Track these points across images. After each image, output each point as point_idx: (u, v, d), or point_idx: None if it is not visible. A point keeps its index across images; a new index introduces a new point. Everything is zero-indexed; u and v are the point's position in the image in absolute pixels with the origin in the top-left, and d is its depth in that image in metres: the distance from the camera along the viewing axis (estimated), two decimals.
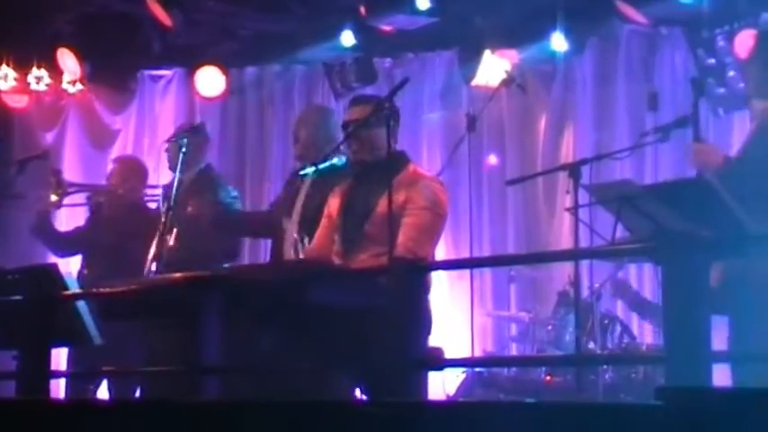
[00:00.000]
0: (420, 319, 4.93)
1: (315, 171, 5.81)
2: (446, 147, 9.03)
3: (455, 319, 8.66)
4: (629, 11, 7.84)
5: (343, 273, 5.17)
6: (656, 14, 8.11)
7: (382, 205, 5.14)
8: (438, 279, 7.26)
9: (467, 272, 8.22)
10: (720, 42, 8.22)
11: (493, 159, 9.36)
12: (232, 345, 4.63)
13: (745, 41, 7.47)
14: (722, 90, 8.09)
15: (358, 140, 5.42)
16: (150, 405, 3.88)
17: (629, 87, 8.93)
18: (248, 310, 4.77)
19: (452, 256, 8.81)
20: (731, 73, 8.03)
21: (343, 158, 5.82)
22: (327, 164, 5.73)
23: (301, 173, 6.02)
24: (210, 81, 9.52)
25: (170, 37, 9.18)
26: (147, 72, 10.08)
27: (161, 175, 8.39)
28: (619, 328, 7.40)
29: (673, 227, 4.28)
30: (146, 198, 7.82)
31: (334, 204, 5.60)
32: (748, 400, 2.10)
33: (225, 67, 9.52)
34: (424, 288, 5.21)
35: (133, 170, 7.85)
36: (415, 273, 4.60)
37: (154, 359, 5.18)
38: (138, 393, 6.34)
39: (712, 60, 8.33)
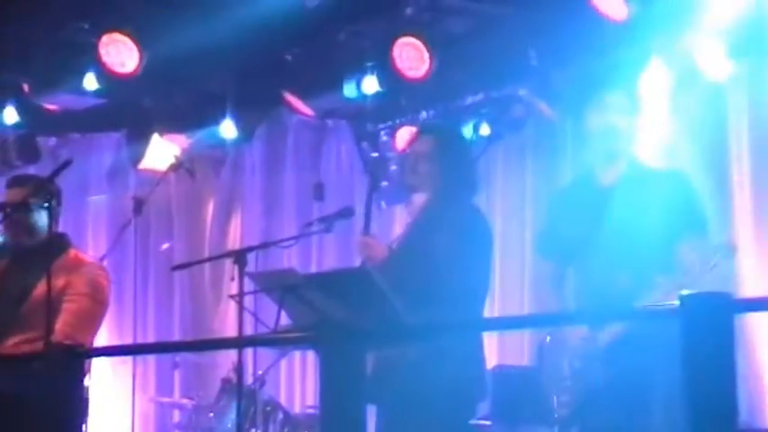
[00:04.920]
0: (77, 407, 4.79)
1: None
2: (112, 230, 8.87)
3: (116, 405, 8.46)
4: (296, 103, 8.03)
5: None
6: (323, 107, 8.34)
7: (40, 289, 4.98)
8: (99, 363, 7.08)
9: (130, 357, 8.06)
10: (384, 137, 8.55)
11: (165, 246, 9.28)
12: None
13: (405, 137, 7.80)
14: (385, 183, 8.38)
15: (16, 223, 5.24)
16: None
17: (297, 176, 9.12)
18: None
19: (116, 341, 8.63)
20: (393, 167, 8.35)
21: None
22: None
23: None
24: None
25: None
26: None
27: None
28: (281, 415, 7.45)
29: (332, 315, 4.36)
30: None
31: None
32: None
33: None
34: (82, 374, 5.06)
35: None
36: (73, 359, 4.46)
37: None
38: None
39: (376, 154, 8.64)
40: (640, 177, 4.57)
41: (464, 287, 4.77)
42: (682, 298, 2.64)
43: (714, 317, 2.48)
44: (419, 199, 5.02)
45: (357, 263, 8.23)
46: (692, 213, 4.46)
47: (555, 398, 4.49)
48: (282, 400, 8.23)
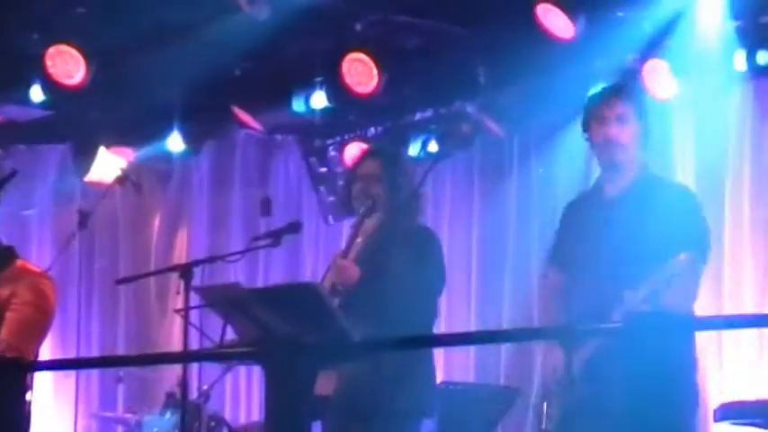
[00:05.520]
0: (19, 422, 4.73)
1: None
2: (57, 242, 8.79)
3: (58, 420, 8.37)
4: (245, 117, 8.00)
5: None
6: (271, 122, 8.33)
7: None
8: (41, 377, 7.00)
9: (73, 371, 7.99)
10: (332, 152, 8.55)
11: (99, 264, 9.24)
12: None
13: (354, 153, 7.81)
14: (332, 198, 8.39)
15: None
16: None
17: (244, 191, 9.09)
18: None
19: (59, 355, 8.53)
20: (341, 182, 8.34)
21: None
22: None
23: None
24: None
25: None
26: None
27: None
28: (225, 430, 7.41)
29: (278, 330, 4.35)
30: None
31: None
32: None
33: None
34: (24, 388, 5.01)
35: None
36: (16, 371, 4.41)
37: None
38: None
39: (324, 169, 8.65)
40: (645, 190, 4.51)
41: (419, 305, 4.79)
42: (625, 318, 2.67)
43: (657, 337, 2.50)
44: (369, 221, 5.04)
45: (305, 278, 8.25)
46: (690, 231, 4.39)
47: (545, 408, 4.49)
48: (227, 414, 8.18)
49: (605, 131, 4.52)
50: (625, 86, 5.30)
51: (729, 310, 6.80)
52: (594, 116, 4.59)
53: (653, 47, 6.54)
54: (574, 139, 7.34)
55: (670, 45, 6.47)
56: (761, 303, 6.72)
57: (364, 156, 5.27)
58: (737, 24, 6.43)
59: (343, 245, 5.19)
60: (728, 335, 6.77)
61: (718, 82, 6.91)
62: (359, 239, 5.05)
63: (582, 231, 4.58)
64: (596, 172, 7.22)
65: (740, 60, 6.46)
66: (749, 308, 6.69)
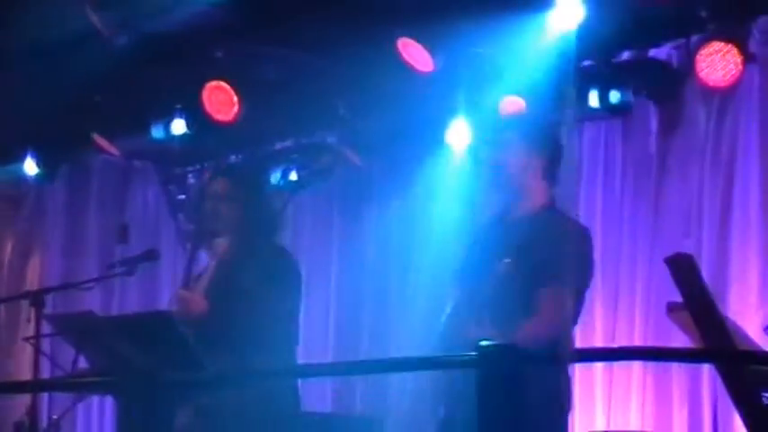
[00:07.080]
0: None
1: None
2: None
3: None
4: (102, 142, 7.90)
5: None
6: (129, 148, 8.23)
7: None
8: None
9: None
10: (191, 180, 8.49)
11: None
12: None
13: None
14: (192, 226, 8.32)
15: None
16: None
17: (101, 218, 8.95)
18: None
19: None
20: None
21: None
22: None
23: None
24: None
25: None
26: None
27: None
28: None
29: (131, 360, 4.30)
30: None
31: None
32: None
33: None
34: None
35: None
36: None
37: None
38: None
39: (183, 196, 8.58)
40: (538, 221, 4.46)
41: (274, 325, 4.78)
42: (478, 348, 2.69)
43: (507, 369, 2.53)
44: (221, 242, 5.00)
45: (161, 307, 8.15)
46: (563, 264, 4.33)
47: None
48: None
49: (494, 155, 4.50)
50: (514, 117, 5.26)
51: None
52: (484, 139, 4.66)
53: (508, 83, 6.66)
54: (432, 169, 7.47)
55: (524, 82, 6.59)
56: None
57: (213, 175, 5.25)
58: (590, 63, 6.60)
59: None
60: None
61: (571, 120, 7.07)
62: (212, 262, 5.02)
63: (476, 253, 4.56)
64: (453, 203, 7.40)
65: (593, 99, 6.61)
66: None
